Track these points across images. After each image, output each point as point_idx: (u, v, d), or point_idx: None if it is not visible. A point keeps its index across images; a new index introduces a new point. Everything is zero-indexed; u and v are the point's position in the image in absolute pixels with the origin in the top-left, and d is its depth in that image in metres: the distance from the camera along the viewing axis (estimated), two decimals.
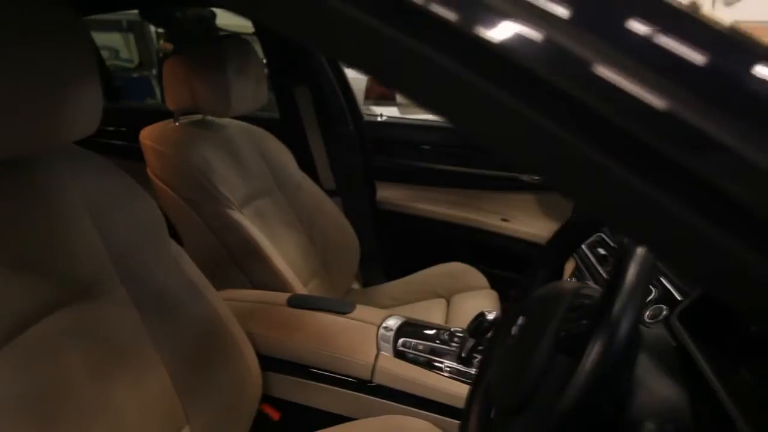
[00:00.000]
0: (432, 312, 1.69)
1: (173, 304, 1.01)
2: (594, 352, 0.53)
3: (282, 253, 1.55)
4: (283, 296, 1.29)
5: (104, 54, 4.86)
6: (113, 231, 0.94)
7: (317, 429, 1.10)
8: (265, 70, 1.83)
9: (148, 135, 1.42)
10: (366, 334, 1.18)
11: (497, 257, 1.95)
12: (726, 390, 0.60)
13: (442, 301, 1.76)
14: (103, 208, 0.93)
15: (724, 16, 8.07)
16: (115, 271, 0.94)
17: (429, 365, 1.14)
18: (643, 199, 0.28)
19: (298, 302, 1.27)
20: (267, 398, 1.17)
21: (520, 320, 0.71)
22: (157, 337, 0.96)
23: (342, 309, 1.24)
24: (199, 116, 1.56)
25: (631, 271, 0.55)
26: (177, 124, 1.50)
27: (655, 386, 0.64)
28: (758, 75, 0.31)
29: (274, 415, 1.17)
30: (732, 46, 0.32)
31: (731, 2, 7.97)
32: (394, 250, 2.15)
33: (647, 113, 0.28)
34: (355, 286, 2.00)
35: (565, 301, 0.65)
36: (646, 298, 0.94)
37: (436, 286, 1.80)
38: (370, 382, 1.13)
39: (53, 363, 0.82)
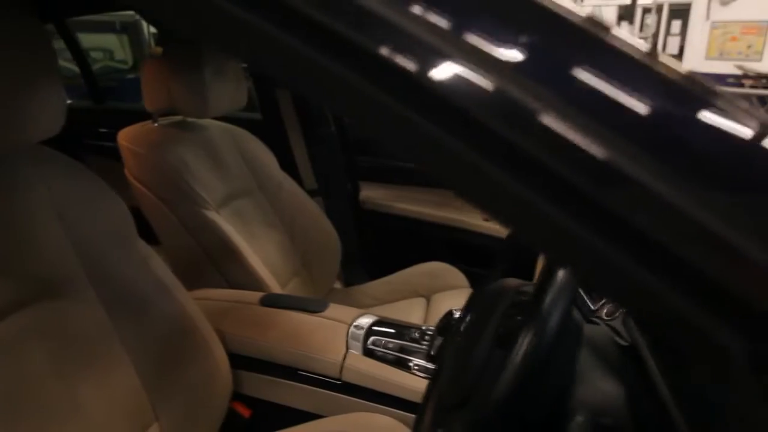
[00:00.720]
0: (411, 311, 1.70)
1: (142, 303, 1.02)
2: (524, 344, 0.55)
3: (261, 253, 1.56)
4: (257, 295, 1.30)
5: (98, 55, 4.88)
6: (80, 231, 0.96)
7: (287, 426, 1.11)
8: (247, 72, 1.84)
9: (125, 136, 1.44)
10: (336, 332, 1.19)
11: (478, 256, 1.97)
12: (670, 389, 0.62)
13: (422, 300, 1.77)
14: (69, 208, 0.95)
15: (720, 15, 8.07)
16: (83, 270, 0.95)
17: (398, 363, 1.15)
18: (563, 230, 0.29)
19: (270, 301, 1.28)
20: (238, 396, 1.19)
21: (467, 317, 0.73)
22: (125, 335, 0.98)
23: (314, 308, 1.25)
24: (179, 117, 1.58)
25: (561, 270, 0.57)
26: (156, 125, 1.51)
27: (597, 381, 0.65)
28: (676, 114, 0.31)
29: (245, 412, 1.19)
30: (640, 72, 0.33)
31: (727, 2, 7.97)
32: (377, 250, 2.17)
33: (563, 148, 0.29)
34: (338, 285, 2.02)
35: (505, 299, 0.66)
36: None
37: (417, 285, 1.82)
38: (339, 380, 1.14)
39: (18, 362, 0.83)
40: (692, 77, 0.33)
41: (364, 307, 1.76)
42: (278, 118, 2.00)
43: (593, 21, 0.33)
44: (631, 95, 0.30)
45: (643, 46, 0.34)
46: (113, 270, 0.99)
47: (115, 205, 1.03)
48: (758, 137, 0.30)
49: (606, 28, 0.33)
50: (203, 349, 1.08)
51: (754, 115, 0.32)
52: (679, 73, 0.33)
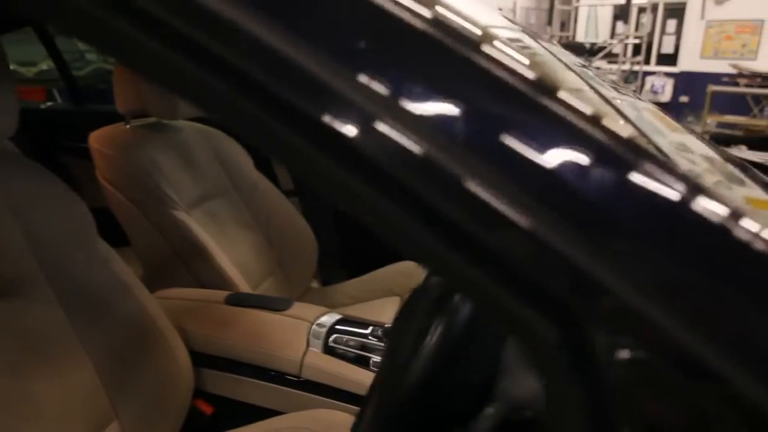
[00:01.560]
0: (385, 310, 1.72)
1: (101, 303, 1.04)
2: (434, 336, 0.56)
3: (234, 252, 1.58)
4: (222, 294, 1.32)
5: (93, 57, 4.89)
6: (37, 230, 0.97)
7: (249, 423, 1.13)
8: None
9: (95, 138, 1.46)
10: (298, 330, 1.21)
11: None
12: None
13: (397, 299, 1.79)
14: (26, 207, 0.97)
15: (715, 14, 8.07)
16: (40, 269, 0.97)
17: (358, 361, 1.17)
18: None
19: (235, 300, 1.30)
20: (201, 393, 1.20)
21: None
22: (83, 334, 0.99)
23: (277, 306, 1.27)
24: (152, 119, 1.60)
25: None
26: (128, 126, 1.53)
27: (521, 374, 0.67)
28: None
29: (207, 409, 1.20)
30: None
31: (721, 1, 7.97)
32: (355, 249, 2.18)
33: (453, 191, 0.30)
34: (315, 285, 2.03)
35: (430, 296, 0.68)
36: None
37: (392, 284, 1.83)
38: (298, 377, 1.16)
39: None
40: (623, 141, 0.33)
41: (339, 305, 1.78)
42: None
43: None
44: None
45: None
46: (72, 270, 1.01)
47: (75, 206, 1.04)
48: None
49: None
50: (164, 347, 1.10)
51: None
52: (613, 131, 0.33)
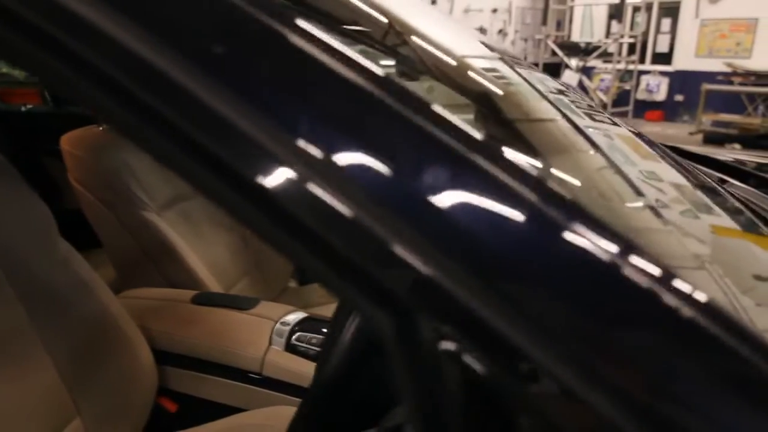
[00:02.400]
0: None
1: (61, 302, 1.05)
2: (350, 328, 0.58)
3: (208, 253, 1.59)
4: (189, 294, 1.34)
5: None
6: None
7: (212, 420, 1.15)
8: None
9: (67, 140, 1.47)
10: (261, 329, 1.22)
11: None
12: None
13: None
14: None
15: (709, 13, 8.07)
16: (0, 269, 0.99)
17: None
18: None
19: (201, 299, 1.31)
20: (165, 391, 1.22)
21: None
22: (44, 333, 1.01)
23: (243, 305, 1.29)
24: None
25: None
26: (100, 128, 1.55)
27: None
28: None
29: (171, 407, 1.22)
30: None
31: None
32: None
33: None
34: (292, 284, 2.05)
35: None
36: None
37: None
38: (260, 374, 1.18)
39: None
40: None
41: (315, 305, 1.79)
42: None
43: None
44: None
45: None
46: (33, 269, 1.02)
47: (35, 206, 1.06)
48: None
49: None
50: (126, 346, 1.12)
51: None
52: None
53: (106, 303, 1.10)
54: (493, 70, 1.24)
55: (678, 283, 0.31)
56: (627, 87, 8.93)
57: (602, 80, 9.02)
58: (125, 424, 1.12)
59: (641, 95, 8.89)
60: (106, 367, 1.09)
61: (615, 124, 1.15)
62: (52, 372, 1.02)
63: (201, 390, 1.23)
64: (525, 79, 1.18)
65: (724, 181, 1.26)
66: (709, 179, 1.26)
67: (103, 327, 1.09)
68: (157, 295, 1.36)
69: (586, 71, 9.17)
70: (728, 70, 7.85)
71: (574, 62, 9.10)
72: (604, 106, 8.69)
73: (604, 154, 0.92)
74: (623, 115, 8.89)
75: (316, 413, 0.59)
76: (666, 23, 8.73)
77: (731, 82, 7.72)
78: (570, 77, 9.15)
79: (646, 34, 8.87)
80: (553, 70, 9.65)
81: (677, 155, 1.46)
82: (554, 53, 9.46)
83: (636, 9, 8.77)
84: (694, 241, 0.76)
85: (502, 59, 1.25)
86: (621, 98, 8.92)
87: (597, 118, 1.18)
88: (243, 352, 1.19)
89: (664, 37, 8.81)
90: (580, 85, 9.12)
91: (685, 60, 8.52)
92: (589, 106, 1.23)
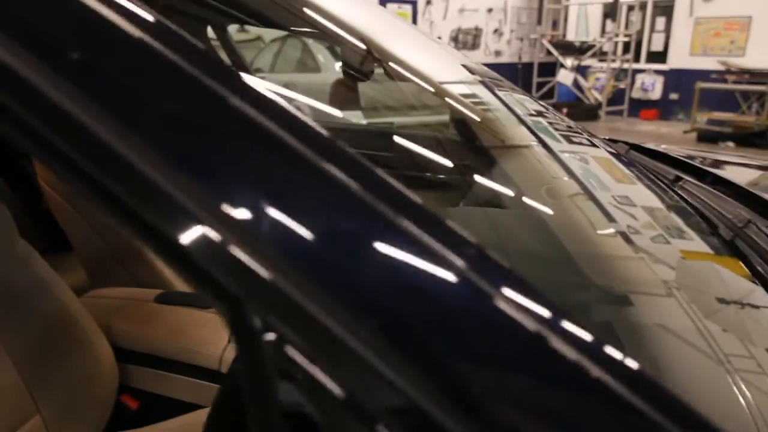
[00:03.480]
0: None
1: (20, 301, 1.07)
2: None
3: None
4: (153, 293, 1.35)
5: None
6: None
7: (173, 417, 1.16)
8: None
9: None
10: (221, 327, 1.24)
11: None
12: None
13: None
14: None
15: (703, 11, 8.07)
16: None
17: None
18: None
19: (164, 298, 1.33)
20: (127, 389, 1.24)
21: None
22: (2, 332, 1.03)
23: (205, 304, 1.30)
24: None
25: None
26: None
27: None
28: None
29: (133, 404, 1.24)
30: None
31: None
32: None
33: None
34: None
35: None
36: None
37: None
38: (219, 371, 1.19)
39: None
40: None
41: None
42: None
43: None
44: None
45: None
46: None
47: None
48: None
49: None
50: (85, 345, 1.14)
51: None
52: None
53: (66, 302, 1.12)
54: (472, 95, 1.26)
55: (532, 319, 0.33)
56: (622, 86, 8.93)
57: (597, 79, 9.03)
58: (86, 421, 1.14)
59: (636, 94, 8.89)
60: (66, 365, 1.11)
61: (593, 145, 1.16)
62: (10, 370, 1.04)
63: (162, 387, 1.24)
64: (504, 103, 1.20)
65: (679, 179, 1.28)
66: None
67: (62, 326, 1.11)
68: (121, 294, 1.38)
69: (582, 70, 9.18)
70: (722, 68, 7.86)
71: (569, 61, 9.10)
72: (600, 105, 8.70)
73: (577, 181, 0.93)
74: (618, 113, 8.90)
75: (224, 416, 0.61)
76: (660, 22, 8.73)
77: (725, 81, 7.72)
78: (565, 76, 9.16)
79: (640, 32, 8.88)
80: (549, 69, 9.66)
81: (639, 153, 1.48)
82: (549, 52, 9.47)
83: (630, 8, 8.78)
84: (663, 267, 0.77)
85: (482, 83, 1.27)
86: (616, 97, 8.92)
87: (574, 140, 1.19)
88: (203, 349, 1.20)
89: (658, 35, 8.81)
90: (576, 84, 9.13)
91: (679, 58, 8.52)
92: (568, 127, 1.24)
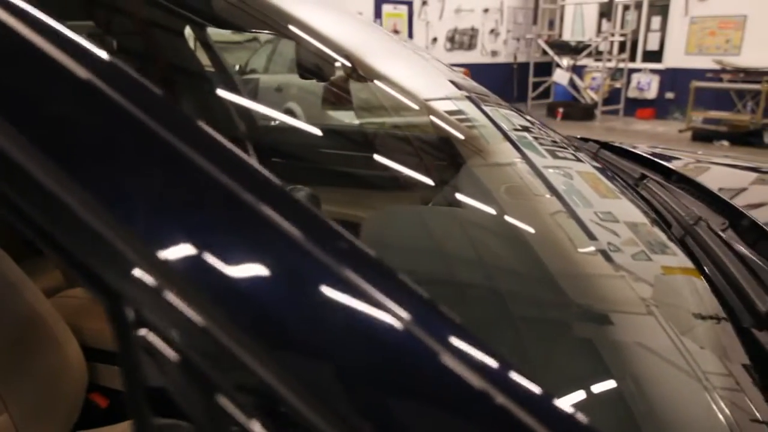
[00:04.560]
0: None
1: None
2: None
3: None
4: None
5: None
6: None
7: None
8: None
9: None
10: None
11: None
12: None
13: None
14: None
15: (698, 11, 8.07)
16: None
17: None
18: None
19: None
20: (96, 387, 1.25)
21: None
22: None
23: None
24: None
25: None
26: None
27: None
28: None
29: (102, 402, 1.25)
30: None
31: None
32: None
33: None
34: None
35: None
36: None
37: None
38: None
39: None
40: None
41: None
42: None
43: None
44: None
45: None
46: None
47: None
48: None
49: None
50: (54, 344, 1.15)
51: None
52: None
53: (33, 303, 1.14)
54: (458, 112, 1.27)
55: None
56: (618, 85, 8.94)
57: (594, 78, 9.04)
58: (55, 419, 1.15)
59: (632, 93, 8.89)
60: (34, 364, 1.12)
61: (578, 159, 1.17)
62: None
63: None
64: (490, 118, 1.21)
65: (644, 177, 1.29)
66: (632, 177, 1.29)
67: (30, 326, 1.13)
68: None
69: (578, 70, 9.19)
70: (718, 67, 7.86)
71: (565, 61, 9.11)
72: (596, 104, 8.70)
73: (559, 197, 0.93)
74: (615, 113, 8.91)
75: None
76: (656, 21, 8.74)
77: (720, 80, 7.72)
78: (561, 76, 9.17)
79: (636, 32, 8.88)
80: (545, 69, 9.67)
81: (609, 152, 1.49)
82: (545, 52, 9.48)
83: (626, 7, 8.79)
84: (644, 285, 0.78)
85: (469, 98, 1.28)
86: (612, 96, 8.93)
87: (559, 155, 1.20)
88: None
89: (654, 35, 8.82)
90: (572, 83, 9.14)
91: (675, 58, 8.53)
92: (553, 142, 1.25)
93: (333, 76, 1.52)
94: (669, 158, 1.54)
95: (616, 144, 1.56)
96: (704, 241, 0.89)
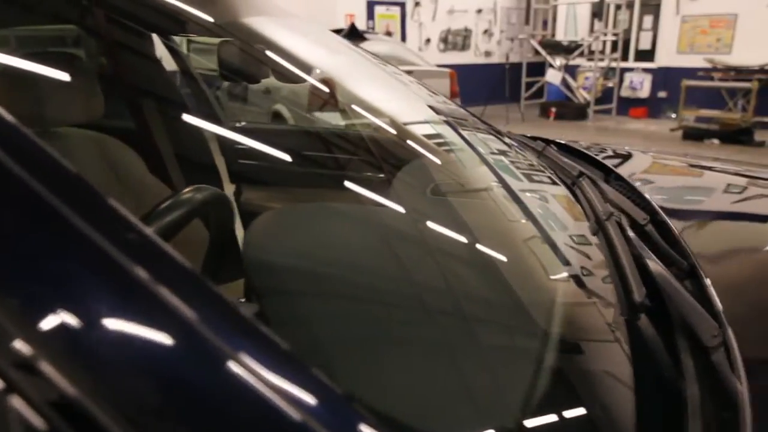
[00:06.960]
0: None
1: None
2: None
3: None
4: None
5: None
6: None
7: None
8: None
9: None
10: None
11: None
12: None
13: None
14: None
15: (689, 9, 8.08)
16: None
17: None
18: None
19: None
20: None
21: None
22: None
23: None
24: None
25: None
26: None
27: None
28: None
29: None
30: None
31: None
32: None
33: None
34: None
35: None
36: None
37: None
38: None
39: None
40: None
41: None
42: (147, 127, 2.11)
43: None
44: None
45: None
46: None
47: None
48: None
49: None
50: None
51: None
52: None
53: None
54: (437, 136, 1.29)
55: None
56: (611, 84, 8.94)
57: (586, 78, 9.04)
58: None
59: (625, 92, 8.90)
60: None
61: (555, 183, 1.19)
62: None
63: None
64: (468, 143, 1.22)
65: (582, 174, 1.31)
66: (571, 173, 1.31)
67: None
68: None
69: (571, 70, 9.20)
70: (709, 65, 7.87)
71: (557, 61, 9.12)
72: (588, 104, 8.71)
73: (535, 223, 0.95)
74: (607, 112, 8.91)
75: None
76: (648, 20, 8.75)
77: (712, 78, 7.73)
78: (553, 76, 9.18)
79: (628, 31, 8.89)
80: (538, 69, 9.68)
81: (554, 149, 1.51)
82: (538, 52, 9.49)
83: (618, 7, 8.80)
84: (613, 311, 0.77)
85: (447, 123, 1.30)
86: (605, 96, 8.94)
87: (535, 178, 1.21)
88: None
89: (646, 34, 8.82)
90: (564, 83, 9.15)
91: (667, 56, 8.54)
92: (530, 165, 1.27)
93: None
94: (625, 156, 1.57)
95: (563, 142, 1.58)
96: (611, 237, 0.91)
